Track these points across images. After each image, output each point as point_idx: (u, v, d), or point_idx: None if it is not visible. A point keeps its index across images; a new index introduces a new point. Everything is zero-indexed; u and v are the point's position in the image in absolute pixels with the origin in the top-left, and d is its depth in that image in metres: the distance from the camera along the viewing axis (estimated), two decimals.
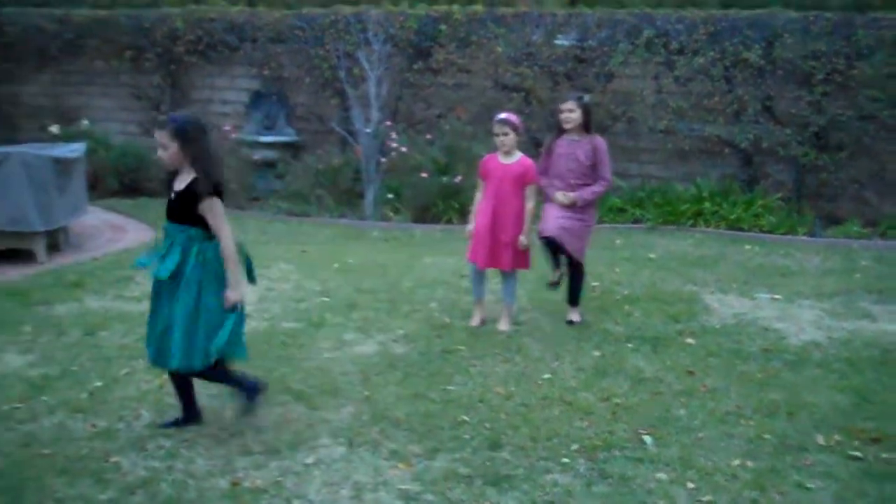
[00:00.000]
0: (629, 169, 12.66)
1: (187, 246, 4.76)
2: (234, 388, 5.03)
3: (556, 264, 7.28)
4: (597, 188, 7.04)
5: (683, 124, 12.30)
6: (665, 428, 5.14)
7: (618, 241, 10.59)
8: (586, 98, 7.20)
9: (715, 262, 9.54)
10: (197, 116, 4.93)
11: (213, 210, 4.75)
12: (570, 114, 7.01)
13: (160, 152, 4.81)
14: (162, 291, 4.84)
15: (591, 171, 7.05)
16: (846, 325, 7.25)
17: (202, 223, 4.76)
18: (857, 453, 4.81)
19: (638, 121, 12.47)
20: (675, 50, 12.25)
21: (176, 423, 5.07)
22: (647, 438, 4.98)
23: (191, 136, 4.76)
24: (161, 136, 4.77)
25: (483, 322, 7.04)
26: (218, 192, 4.78)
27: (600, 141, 7.10)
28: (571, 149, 7.03)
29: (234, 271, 4.80)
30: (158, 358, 4.84)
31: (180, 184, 4.80)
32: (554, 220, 7.02)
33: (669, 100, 12.32)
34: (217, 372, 4.90)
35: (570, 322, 7.18)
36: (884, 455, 4.79)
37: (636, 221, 11.75)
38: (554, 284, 7.34)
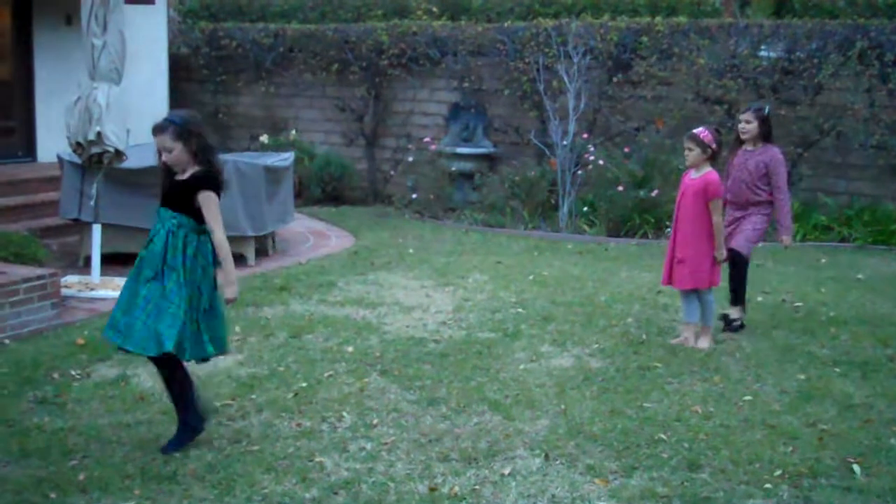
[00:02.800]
0: (836, 185, 12.13)
1: (175, 232, 4.84)
2: (181, 413, 5.00)
3: (737, 301, 7.30)
4: (782, 205, 7.17)
5: None
6: (875, 457, 4.89)
7: (823, 260, 10.16)
8: (766, 109, 7.33)
9: None
10: (193, 113, 5.05)
11: (210, 203, 4.84)
12: (747, 125, 7.21)
13: (164, 156, 4.86)
14: (141, 272, 4.88)
15: (764, 182, 7.12)
16: None
17: (195, 215, 4.86)
18: None
19: (847, 135, 11.92)
20: (890, 62, 11.66)
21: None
22: (856, 467, 4.76)
23: (193, 133, 4.86)
24: (163, 140, 4.82)
25: (684, 342, 6.88)
26: (216, 187, 4.89)
27: (775, 151, 7.21)
28: (744, 158, 7.22)
29: (229, 267, 4.92)
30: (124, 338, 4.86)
31: (183, 175, 4.91)
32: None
33: (883, 114, 11.72)
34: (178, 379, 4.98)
35: (727, 317, 7.28)
36: None
37: (843, 240, 11.25)
38: (728, 323, 7.28)
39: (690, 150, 6.76)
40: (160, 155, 4.90)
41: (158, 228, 4.89)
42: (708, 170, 6.78)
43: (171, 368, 4.94)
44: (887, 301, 8.26)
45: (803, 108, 11.93)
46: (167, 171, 4.96)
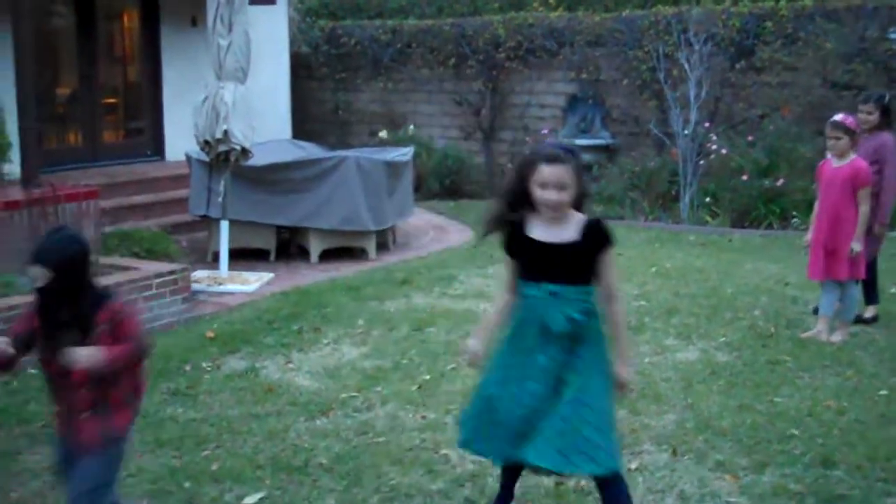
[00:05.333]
0: None
1: (592, 311, 3.75)
2: None
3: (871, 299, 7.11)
4: (885, 198, 6.79)
5: None
6: None
7: None
8: (887, 97, 7.01)
9: None
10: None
11: (613, 262, 3.76)
12: (868, 116, 6.89)
13: (553, 195, 3.64)
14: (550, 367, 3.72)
15: (874, 169, 6.69)
16: None
17: (589, 280, 3.75)
18: None
19: None
20: None
21: None
22: None
23: (582, 170, 3.79)
24: (561, 175, 3.64)
25: (816, 335, 6.66)
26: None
27: (888, 137, 6.85)
28: (859, 150, 6.72)
29: (627, 341, 3.88)
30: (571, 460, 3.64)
31: (565, 231, 3.70)
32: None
33: None
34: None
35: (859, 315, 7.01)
36: None
37: None
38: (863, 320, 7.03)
39: (838, 138, 6.53)
40: (520, 188, 3.73)
41: (555, 314, 3.69)
42: (853, 157, 6.56)
43: (622, 484, 3.81)
44: None
45: None
46: (514, 222, 3.79)
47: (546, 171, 3.64)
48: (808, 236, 6.82)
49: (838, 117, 6.62)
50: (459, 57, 14.40)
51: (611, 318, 3.78)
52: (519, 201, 3.76)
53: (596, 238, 3.70)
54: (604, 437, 3.65)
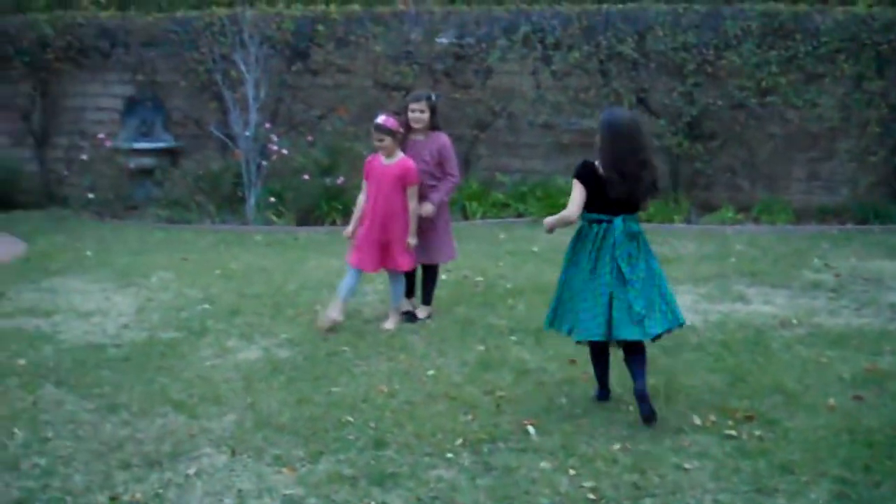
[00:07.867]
0: (511, 164, 12.82)
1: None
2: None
3: (412, 292, 7.45)
4: (446, 185, 7.20)
5: (562, 118, 12.49)
6: (548, 417, 5.23)
7: (501, 236, 10.71)
8: (434, 97, 7.28)
9: None
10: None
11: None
12: (421, 114, 7.08)
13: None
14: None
15: (438, 170, 7.16)
16: (721, 308, 7.50)
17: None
18: (732, 432, 4.97)
19: (518, 116, 12.62)
20: (552, 45, 12.44)
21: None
22: (531, 429, 5.06)
23: None
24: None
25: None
26: None
27: (445, 138, 7.23)
28: (416, 150, 7.10)
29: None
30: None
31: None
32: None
33: (548, 94, 12.50)
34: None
35: (415, 317, 7.27)
36: (757, 432, 4.96)
37: (519, 216, 11.90)
38: (407, 314, 7.31)
39: (382, 140, 6.85)
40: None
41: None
42: (402, 156, 6.93)
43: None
44: (558, 269, 8.79)
45: (476, 92, 12.49)
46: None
47: None
48: (350, 229, 7.16)
49: (380, 120, 6.96)
50: (2, 58, 13.47)
51: None
52: None
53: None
54: None
